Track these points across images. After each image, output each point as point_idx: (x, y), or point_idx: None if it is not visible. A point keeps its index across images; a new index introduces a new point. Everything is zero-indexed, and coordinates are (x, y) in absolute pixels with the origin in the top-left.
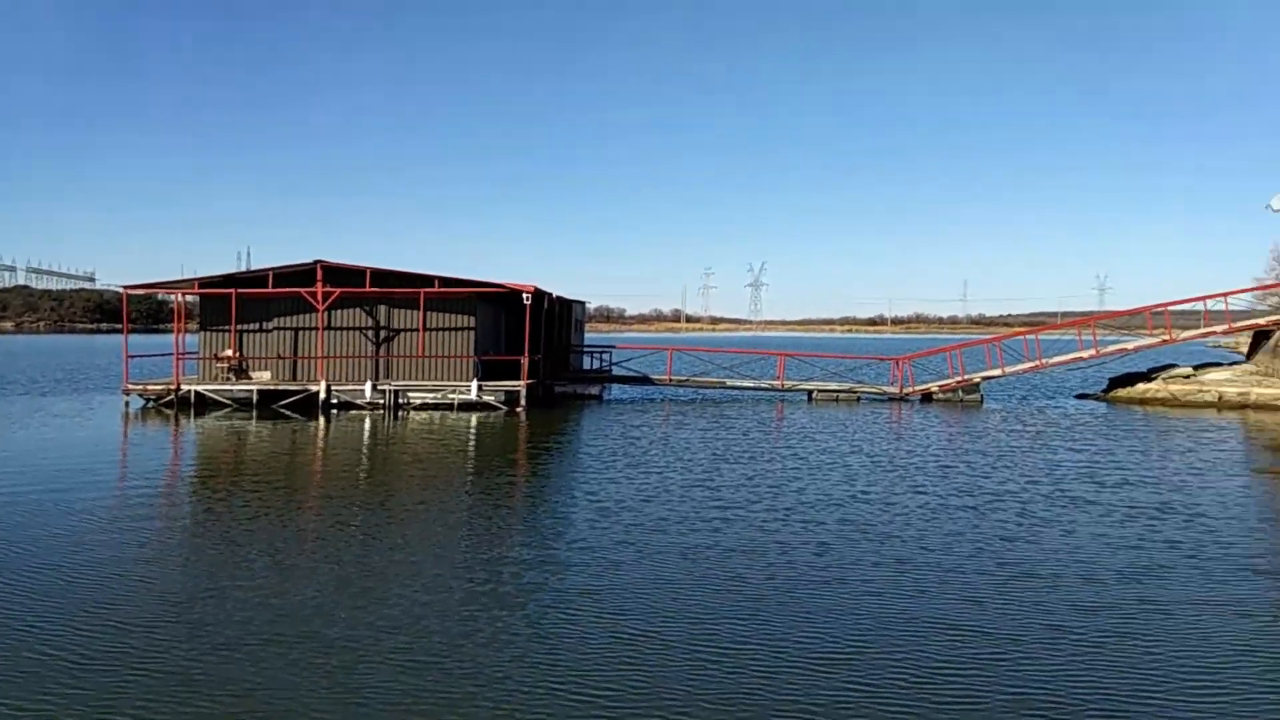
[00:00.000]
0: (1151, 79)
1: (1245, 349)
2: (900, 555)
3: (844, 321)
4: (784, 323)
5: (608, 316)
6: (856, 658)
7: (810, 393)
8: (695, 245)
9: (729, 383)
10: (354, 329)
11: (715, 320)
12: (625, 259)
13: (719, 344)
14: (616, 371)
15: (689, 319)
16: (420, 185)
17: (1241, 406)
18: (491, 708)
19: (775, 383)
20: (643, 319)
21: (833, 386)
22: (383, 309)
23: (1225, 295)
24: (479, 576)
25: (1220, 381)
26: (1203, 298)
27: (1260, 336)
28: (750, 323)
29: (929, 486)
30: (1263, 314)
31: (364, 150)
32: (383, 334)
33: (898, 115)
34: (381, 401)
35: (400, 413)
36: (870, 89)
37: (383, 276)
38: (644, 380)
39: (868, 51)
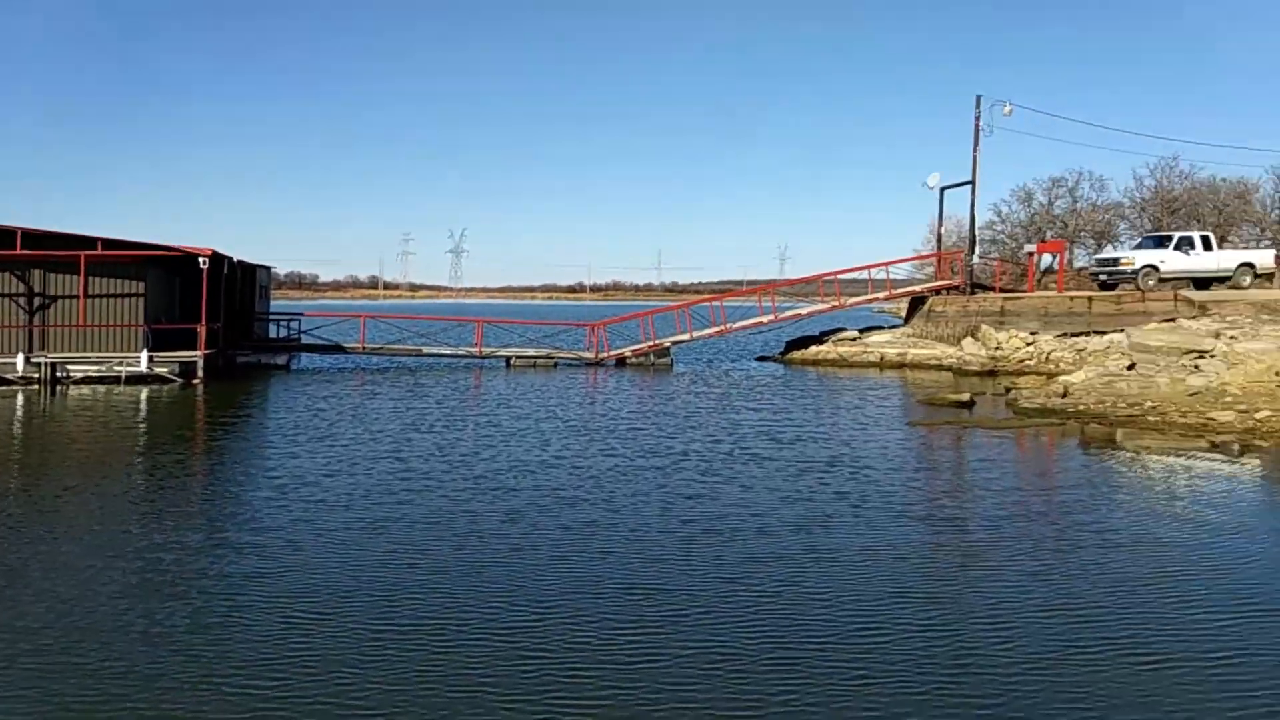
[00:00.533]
0: (824, 67)
1: (904, 314)
2: (589, 518)
3: (545, 289)
4: (486, 290)
5: (300, 283)
6: (540, 624)
7: (508, 359)
8: (394, 211)
9: (425, 350)
10: (3, 296)
11: (415, 287)
12: (320, 224)
13: (418, 311)
14: (306, 340)
15: (387, 286)
16: (75, 145)
17: (900, 365)
18: (147, 709)
19: (473, 349)
20: (339, 286)
21: (530, 352)
22: (37, 273)
23: (887, 265)
24: (135, 566)
25: (882, 343)
26: (868, 266)
27: (916, 302)
28: (452, 290)
29: (619, 449)
30: (919, 282)
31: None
32: (37, 301)
33: (587, 84)
34: (36, 375)
35: (59, 387)
36: (572, 55)
37: (37, 238)
38: (335, 349)
39: (564, 17)
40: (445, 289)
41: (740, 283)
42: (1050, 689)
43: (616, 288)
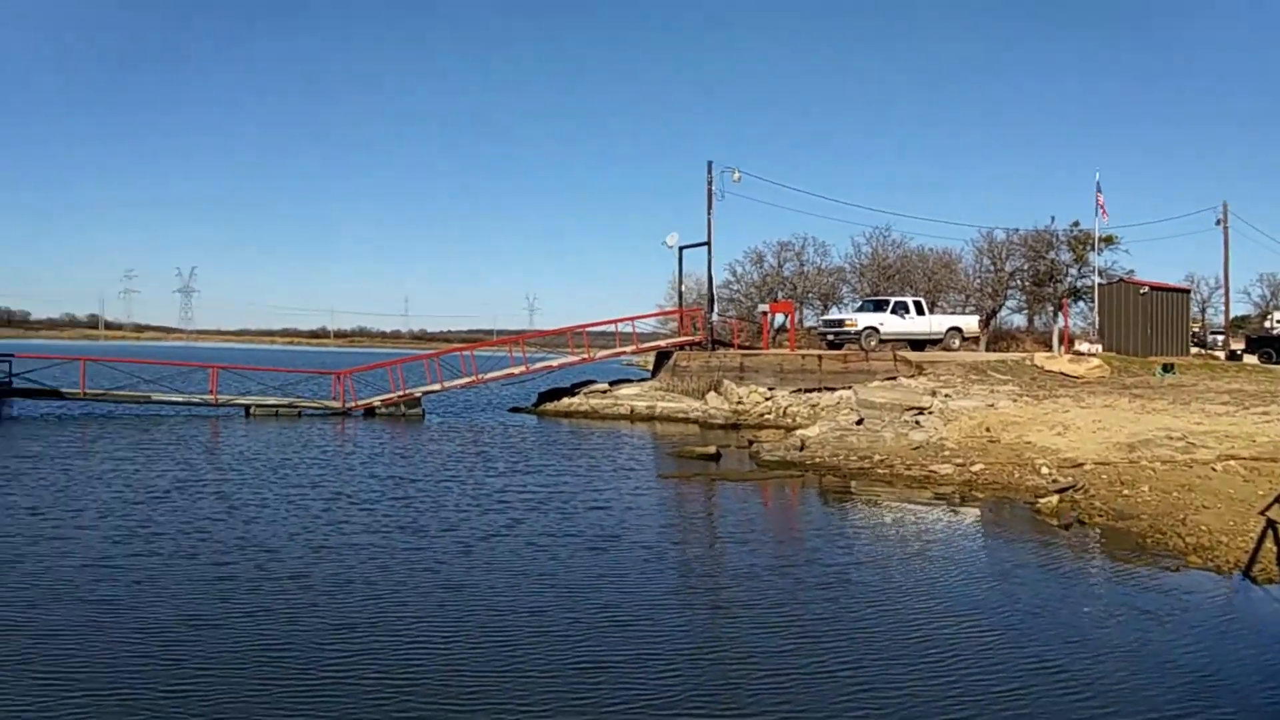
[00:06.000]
0: (562, 127)
1: (652, 367)
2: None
3: (285, 333)
4: (220, 333)
5: (9, 320)
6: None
7: (247, 408)
8: (115, 244)
9: (154, 397)
10: None
11: (141, 328)
12: (33, 255)
13: (145, 354)
14: (18, 384)
15: (109, 326)
16: None
17: (650, 418)
18: None
19: (208, 397)
20: (54, 324)
21: (271, 401)
22: None
23: (634, 319)
24: None
25: (632, 396)
26: (616, 320)
27: (662, 356)
28: (182, 331)
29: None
30: (664, 337)
31: None
32: None
33: (333, 117)
34: None
35: None
36: (320, 84)
37: None
38: (53, 394)
39: (310, 44)
40: (175, 330)
41: (490, 332)
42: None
43: (362, 334)
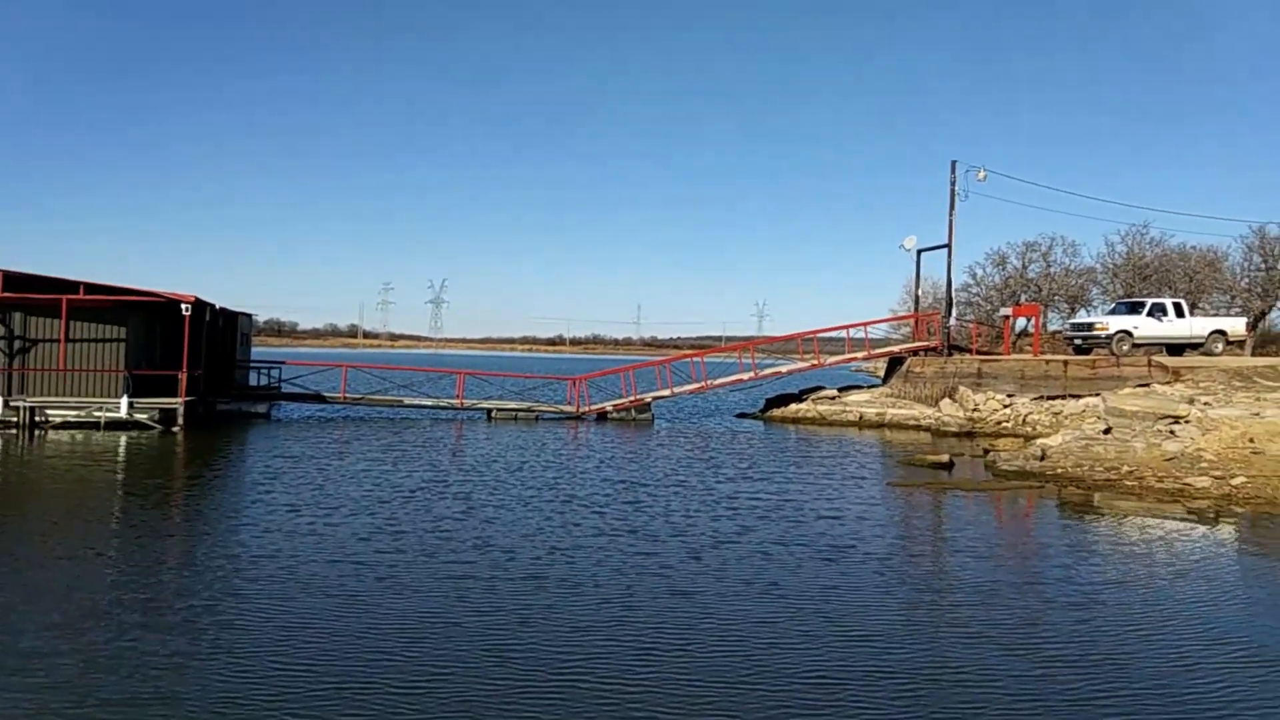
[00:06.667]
0: (795, 131)
1: (883, 373)
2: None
3: (524, 341)
4: (465, 341)
5: (279, 330)
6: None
7: (489, 411)
8: (374, 259)
9: (406, 401)
10: None
11: (395, 337)
12: (300, 272)
13: (397, 361)
14: (286, 389)
15: (367, 335)
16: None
17: (879, 425)
18: None
19: (454, 401)
20: (318, 334)
21: (511, 405)
22: (17, 316)
23: (865, 325)
24: (99, 629)
25: (861, 403)
26: (846, 326)
27: (894, 362)
28: (431, 340)
29: (618, 516)
30: (896, 342)
31: None
32: (17, 344)
33: (565, 143)
34: (15, 419)
35: (37, 432)
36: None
37: (19, 281)
38: (316, 398)
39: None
40: (425, 339)
41: (719, 339)
42: None
43: (596, 341)
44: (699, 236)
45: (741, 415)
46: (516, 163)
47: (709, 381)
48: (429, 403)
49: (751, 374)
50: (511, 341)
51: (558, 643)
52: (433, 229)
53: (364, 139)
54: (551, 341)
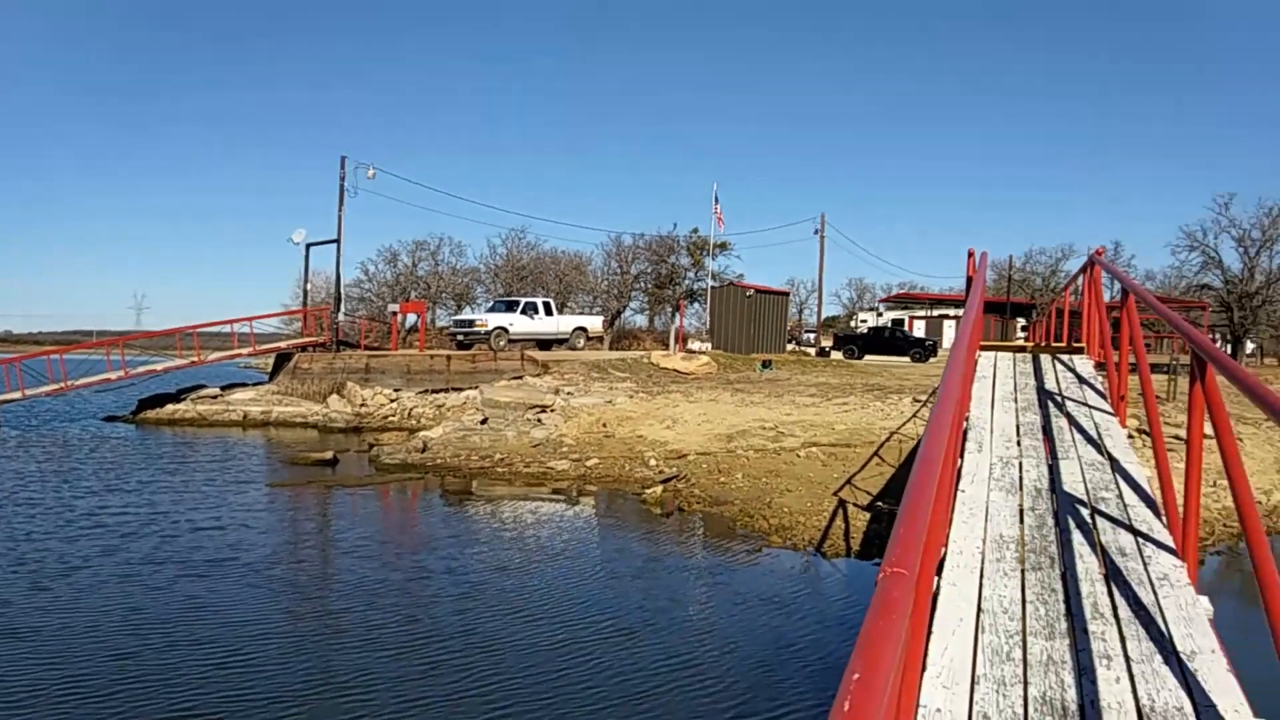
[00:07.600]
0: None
1: (270, 370)
2: None
3: None
4: None
5: None
6: None
7: None
8: None
9: None
10: None
11: None
12: None
13: None
14: None
15: None
16: None
17: (265, 424)
18: None
19: None
20: None
21: None
22: None
23: (252, 320)
24: None
25: (245, 401)
26: (232, 321)
27: (282, 358)
28: None
29: None
30: (285, 338)
31: None
32: None
33: None
34: None
35: None
36: None
37: None
38: None
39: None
40: None
41: (90, 334)
42: None
43: None
44: (74, 218)
45: (111, 419)
46: None
47: (70, 382)
48: None
49: (122, 372)
50: None
51: None
52: None
53: None
54: None
